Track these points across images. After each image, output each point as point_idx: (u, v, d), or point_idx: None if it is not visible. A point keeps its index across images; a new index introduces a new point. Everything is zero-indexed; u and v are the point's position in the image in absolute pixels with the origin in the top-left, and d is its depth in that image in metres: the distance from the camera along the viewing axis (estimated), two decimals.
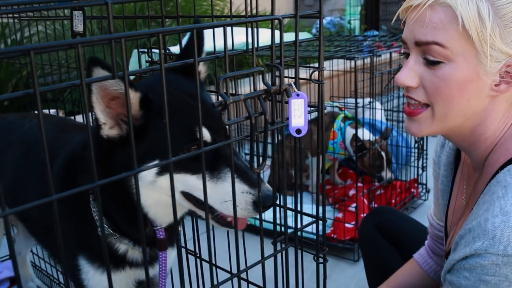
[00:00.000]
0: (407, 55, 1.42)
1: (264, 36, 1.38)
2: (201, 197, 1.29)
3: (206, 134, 1.24)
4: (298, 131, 1.08)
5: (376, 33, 8.88)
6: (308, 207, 3.33)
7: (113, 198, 1.35)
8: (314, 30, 8.91)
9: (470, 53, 1.29)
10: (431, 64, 1.33)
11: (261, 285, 1.20)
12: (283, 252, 1.19)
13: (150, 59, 1.80)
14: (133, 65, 2.97)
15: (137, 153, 1.22)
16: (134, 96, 1.16)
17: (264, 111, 0.97)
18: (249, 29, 1.11)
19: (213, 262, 1.73)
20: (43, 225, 1.70)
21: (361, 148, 3.48)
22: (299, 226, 1.26)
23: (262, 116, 0.99)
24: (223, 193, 1.22)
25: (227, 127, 1.25)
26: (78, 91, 4.59)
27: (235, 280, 1.15)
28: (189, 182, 1.27)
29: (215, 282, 1.03)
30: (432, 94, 1.35)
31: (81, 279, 1.55)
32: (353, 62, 3.02)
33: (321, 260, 1.29)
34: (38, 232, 1.85)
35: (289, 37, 1.21)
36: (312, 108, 1.16)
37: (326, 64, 4.12)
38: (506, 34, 1.28)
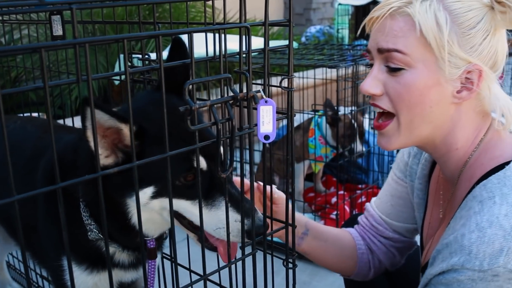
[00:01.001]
0: (372, 66, 1.45)
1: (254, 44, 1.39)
2: (194, 220, 1.35)
3: (203, 163, 1.27)
4: (267, 137, 1.10)
5: (365, 42, 8.94)
6: None
7: (107, 210, 1.36)
8: (303, 39, 8.96)
9: (429, 60, 1.34)
10: (393, 71, 1.37)
11: None
12: (253, 256, 1.21)
13: (130, 64, 1.82)
14: (117, 70, 2.99)
15: (131, 177, 1.24)
16: (128, 130, 1.18)
17: (230, 117, 0.99)
18: (224, 36, 1.13)
19: (188, 266, 1.75)
20: (24, 224, 1.70)
21: (335, 119, 3.48)
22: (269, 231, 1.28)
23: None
24: (217, 220, 1.26)
25: (222, 152, 1.27)
26: (65, 95, 4.59)
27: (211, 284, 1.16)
28: (183, 206, 1.32)
29: (181, 285, 1.04)
30: (396, 101, 1.39)
31: (64, 279, 1.57)
32: (335, 70, 3.05)
33: (290, 265, 1.30)
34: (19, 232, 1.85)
35: (275, 44, 1.24)
36: (281, 115, 1.18)
37: (310, 72, 4.15)
38: (464, 41, 1.32)
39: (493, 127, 1.44)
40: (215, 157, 1.27)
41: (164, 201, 1.30)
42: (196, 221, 1.33)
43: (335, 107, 3.44)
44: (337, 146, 3.49)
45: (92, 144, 1.12)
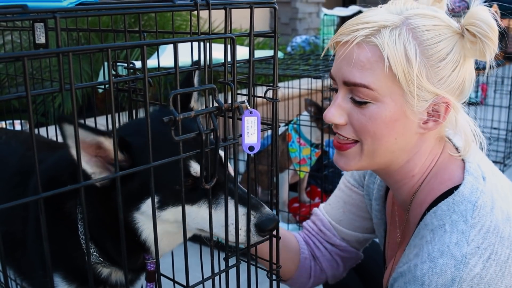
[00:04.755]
0: (336, 90, 1.42)
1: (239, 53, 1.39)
2: (201, 225, 1.32)
3: (197, 168, 1.26)
4: (251, 148, 1.10)
5: None
6: None
7: (112, 232, 1.36)
8: (289, 49, 8.99)
9: (397, 93, 1.30)
10: (359, 104, 1.33)
11: None
12: (236, 268, 1.20)
13: (115, 73, 1.81)
14: (102, 78, 2.97)
15: (131, 190, 1.27)
16: (110, 143, 1.18)
17: (214, 127, 0.98)
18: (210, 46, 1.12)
19: (172, 277, 1.74)
20: (9, 240, 1.68)
21: (319, 110, 3.50)
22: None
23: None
24: (223, 218, 1.21)
25: (222, 156, 1.26)
26: (48, 102, 4.56)
27: None
28: (191, 213, 1.30)
29: None
30: (360, 132, 1.36)
31: None
32: (320, 81, 3.06)
33: (274, 277, 1.30)
34: (4, 247, 1.82)
35: (261, 54, 1.24)
36: (265, 126, 1.18)
37: (296, 82, 4.16)
38: (433, 74, 1.29)
39: (446, 151, 1.43)
40: (213, 159, 1.25)
41: (177, 212, 1.29)
42: (205, 226, 1.31)
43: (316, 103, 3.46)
44: (322, 137, 3.47)
45: (82, 163, 1.13)
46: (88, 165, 1.17)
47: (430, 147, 1.41)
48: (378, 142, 1.35)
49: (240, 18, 1.91)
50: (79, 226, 1.45)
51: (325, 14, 8.39)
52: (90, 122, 1.92)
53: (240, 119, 1.07)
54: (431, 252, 1.27)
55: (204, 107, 1.03)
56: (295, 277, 1.82)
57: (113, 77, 1.78)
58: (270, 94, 1.17)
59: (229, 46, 1.03)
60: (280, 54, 4.41)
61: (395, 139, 1.34)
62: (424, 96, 1.29)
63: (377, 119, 1.32)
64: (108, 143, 1.17)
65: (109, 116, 1.49)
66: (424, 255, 1.28)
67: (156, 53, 1.69)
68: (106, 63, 2.16)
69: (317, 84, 3.60)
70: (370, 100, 1.31)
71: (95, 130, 1.12)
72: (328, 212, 1.85)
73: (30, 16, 0.70)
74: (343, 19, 10.80)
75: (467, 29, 1.28)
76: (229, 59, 1.04)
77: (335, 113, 1.37)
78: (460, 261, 1.23)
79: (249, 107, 1.08)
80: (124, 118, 1.94)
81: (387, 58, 1.26)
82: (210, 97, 1.03)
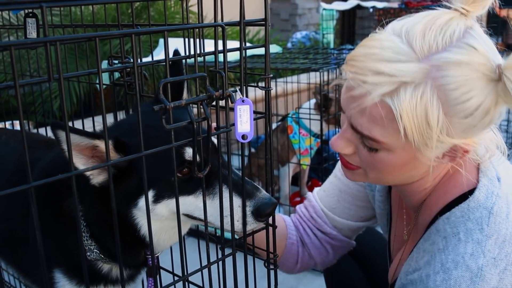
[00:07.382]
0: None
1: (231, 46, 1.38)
2: (200, 216, 1.29)
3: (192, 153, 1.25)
4: (244, 137, 1.10)
5: (350, 47, 8.97)
6: None
7: (112, 230, 1.35)
8: (289, 44, 8.98)
9: (410, 145, 1.17)
10: (368, 148, 1.25)
11: None
12: (233, 257, 1.20)
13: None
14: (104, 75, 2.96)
15: (130, 187, 1.27)
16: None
17: (206, 116, 0.98)
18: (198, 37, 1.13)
19: (171, 270, 1.75)
20: (10, 238, 1.68)
21: (326, 100, 3.52)
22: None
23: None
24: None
25: (215, 143, 1.26)
26: (48, 102, 4.56)
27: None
28: (187, 203, 1.29)
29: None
30: (367, 167, 1.31)
31: None
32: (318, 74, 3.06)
33: (271, 266, 1.30)
34: (3, 246, 1.83)
35: (259, 49, 1.24)
36: (259, 115, 1.18)
37: (295, 78, 4.16)
38: (455, 129, 1.13)
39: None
40: (206, 147, 1.22)
41: (171, 203, 1.29)
42: (202, 216, 1.28)
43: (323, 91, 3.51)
44: (321, 129, 3.47)
45: (78, 165, 1.15)
46: (85, 167, 1.17)
47: (444, 166, 1.34)
48: (385, 174, 1.30)
49: (234, 12, 1.92)
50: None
51: (325, 9, 8.37)
52: (88, 121, 1.93)
53: (233, 108, 1.07)
54: (445, 263, 1.23)
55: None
56: (281, 262, 1.80)
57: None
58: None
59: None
60: (278, 49, 4.40)
61: (404, 173, 1.30)
62: (442, 146, 1.18)
63: (385, 162, 1.25)
64: (103, 146, 1.17)
65: (108, 114, 1.50)
66: (437, 265, 1.24)
67: (153, 52, 1.69)
68: (104, 61, 2.16)
69: (316, 79, 3.60)
70: (380, 149, 1.23)
71: (89, 134, 1.13)
72: (322, 199, 1.81)
73: (16, 7, 0.70)
74: (343, 14, 10.79)
75: (505, 75, 1.08)
76: (220, 48, 1.04)
77: (344, 146, 1.31)
78: (476, 273, 1.19)
79: (241, 96, 1.08)
80: (122, 116, 1.95)
81: (404, 129, 1.12)
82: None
